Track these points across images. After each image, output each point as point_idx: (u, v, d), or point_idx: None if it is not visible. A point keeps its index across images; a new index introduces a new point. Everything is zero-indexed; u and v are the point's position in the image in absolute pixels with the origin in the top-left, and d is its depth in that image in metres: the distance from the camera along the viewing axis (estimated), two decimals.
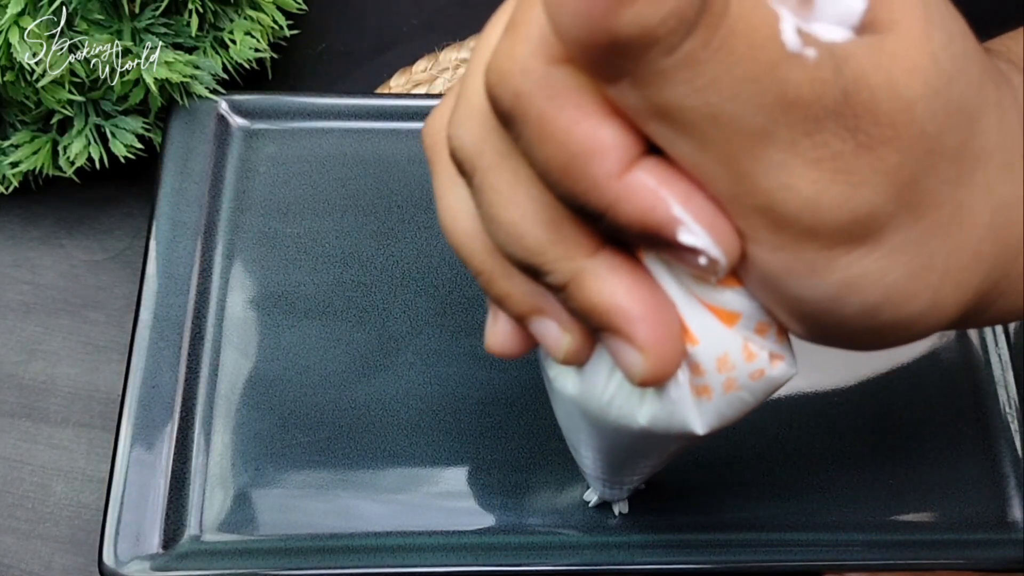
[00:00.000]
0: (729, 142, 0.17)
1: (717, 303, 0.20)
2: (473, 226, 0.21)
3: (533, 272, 0.20)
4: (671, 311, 0.20)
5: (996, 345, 0.42)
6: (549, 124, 0.17)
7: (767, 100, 0.16)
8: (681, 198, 0.18)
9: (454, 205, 0.21)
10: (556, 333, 0.21)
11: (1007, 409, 0.40)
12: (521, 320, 0.22)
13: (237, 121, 0.45)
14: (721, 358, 0.20)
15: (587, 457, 0.30)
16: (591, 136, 0.17)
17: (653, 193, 0.18)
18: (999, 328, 0.42)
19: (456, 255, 0.22)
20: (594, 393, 0.23)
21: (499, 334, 0.23)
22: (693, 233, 0.18)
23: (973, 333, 0.42)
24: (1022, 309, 0.22)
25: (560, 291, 0.20)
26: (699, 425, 0.21)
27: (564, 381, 0.23)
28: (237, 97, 0.45)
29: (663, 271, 0.20)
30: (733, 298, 0.20)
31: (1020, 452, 0.39)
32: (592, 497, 0.38)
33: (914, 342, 0.21)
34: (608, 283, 0.19)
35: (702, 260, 0.18)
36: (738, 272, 0.19)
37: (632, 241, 0.19)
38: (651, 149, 0.18)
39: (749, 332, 0.20)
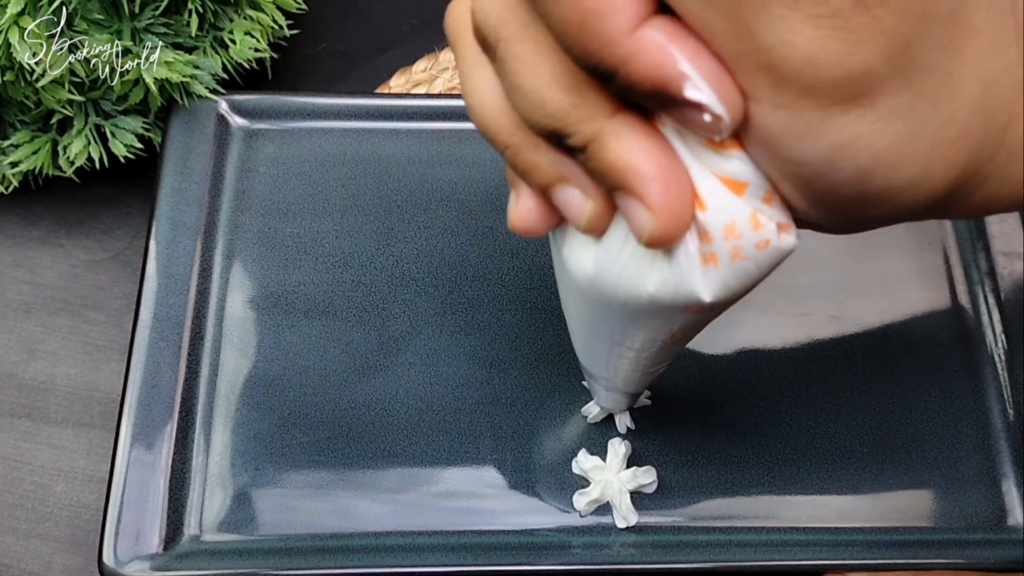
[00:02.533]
0: None
1: (726, 173, 0.21)
2: (498, 103, 0.22)
3: (556, 137, 0.21)
4: (683, 174, 0.21)
5: (996, 345, 0.42)
6: None
7: None
8: (688, 55, 0.19)
9: (479, 84, 0.23)
10: (579, 200, 0.23)
11: (1007, 409, 0.40)
12: (546, 190, 0.23)
13: (237, 121, 0.45)
14: (729, 225, 0.21)
15: (599, 355, 0.30)
16: None
17: (662, 49, 0.18)
18: (999, 328, 0.42)
19: (483, 136, 0.23)
20: (607, 264, 0.24)
21: (522, 210, 0.24)
22: (699, 88, 0.19)
23: (973, 333, 0.42)
24: (1006, 197, 0.22)
25: (581, 152, 0.21)
26: (706, 293, 0.22)
27: (580, 257, 0.24)
28: (237, 97, 0.45)
29: (677, 138, 0.21)
30: (741, 167, 0.21)
31: (1020, 452, 0.39)
32: (592, 411, 0.38)
33: (904, 221, 0.22)
34: (625, 142, 0.21)
35: (707, 117, 0.19)
36: (740, 136, 0.20)
37: (643, 102, 0.20)
38: (661, 9, 0.19)
39: (757, 202, 0.21)
